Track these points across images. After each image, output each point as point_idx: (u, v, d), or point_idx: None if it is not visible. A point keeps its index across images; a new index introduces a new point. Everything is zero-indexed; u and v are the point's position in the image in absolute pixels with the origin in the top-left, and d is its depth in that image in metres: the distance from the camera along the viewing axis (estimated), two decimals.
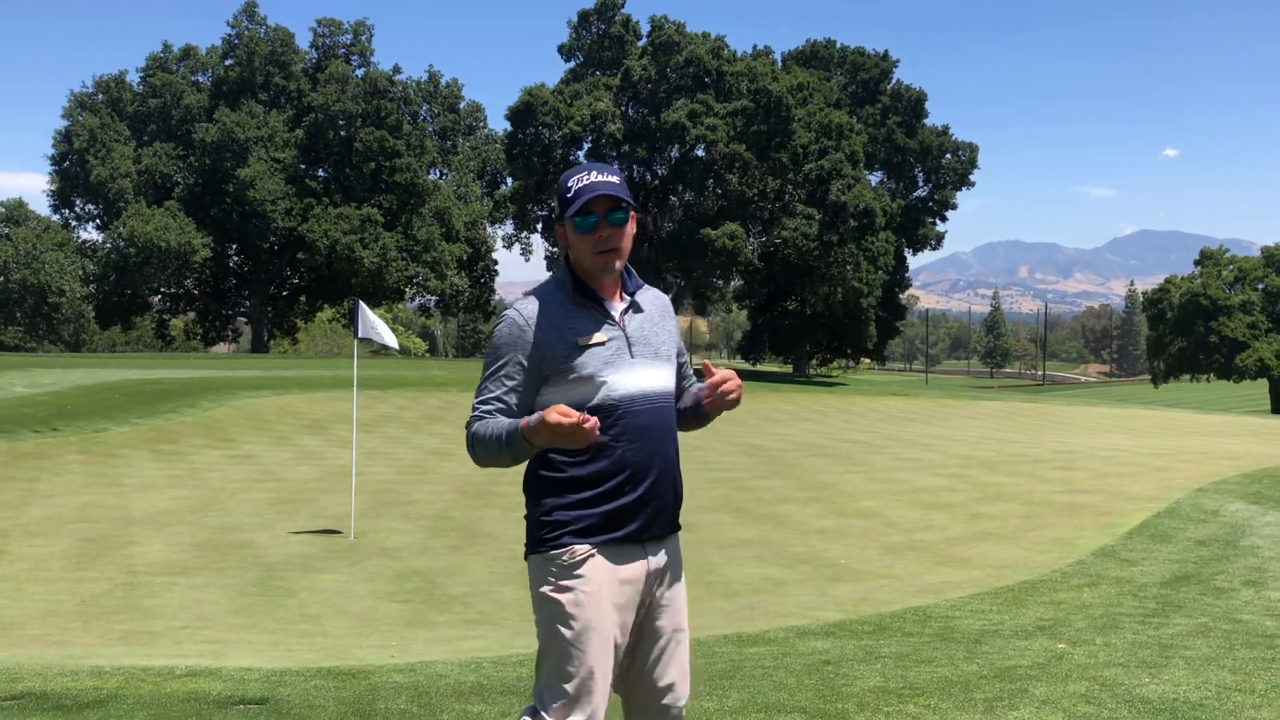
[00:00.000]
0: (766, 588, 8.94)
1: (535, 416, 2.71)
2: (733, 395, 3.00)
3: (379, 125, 57.08)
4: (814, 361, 70.86)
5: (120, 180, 53.63)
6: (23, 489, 14.21)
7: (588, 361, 2.86)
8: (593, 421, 2.67)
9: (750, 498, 14.10)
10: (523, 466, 2.98)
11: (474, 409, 2.87)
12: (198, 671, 5.86)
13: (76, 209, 58.58)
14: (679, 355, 3.14)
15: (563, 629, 2.83)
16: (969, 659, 5.93)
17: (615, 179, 2.91)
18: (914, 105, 69.55)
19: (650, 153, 54.77)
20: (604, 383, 2.86)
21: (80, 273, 54.39)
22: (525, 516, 2.97)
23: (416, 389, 35.03)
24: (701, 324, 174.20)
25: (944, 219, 71.66)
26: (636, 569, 2.90)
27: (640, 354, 2.95)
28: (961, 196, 72.16)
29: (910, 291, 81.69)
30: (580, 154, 57.07)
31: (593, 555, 2.84)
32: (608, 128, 54.01)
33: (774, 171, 53.92)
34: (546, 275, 50.21)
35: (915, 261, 76.13)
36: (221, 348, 73.63)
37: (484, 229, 67.05)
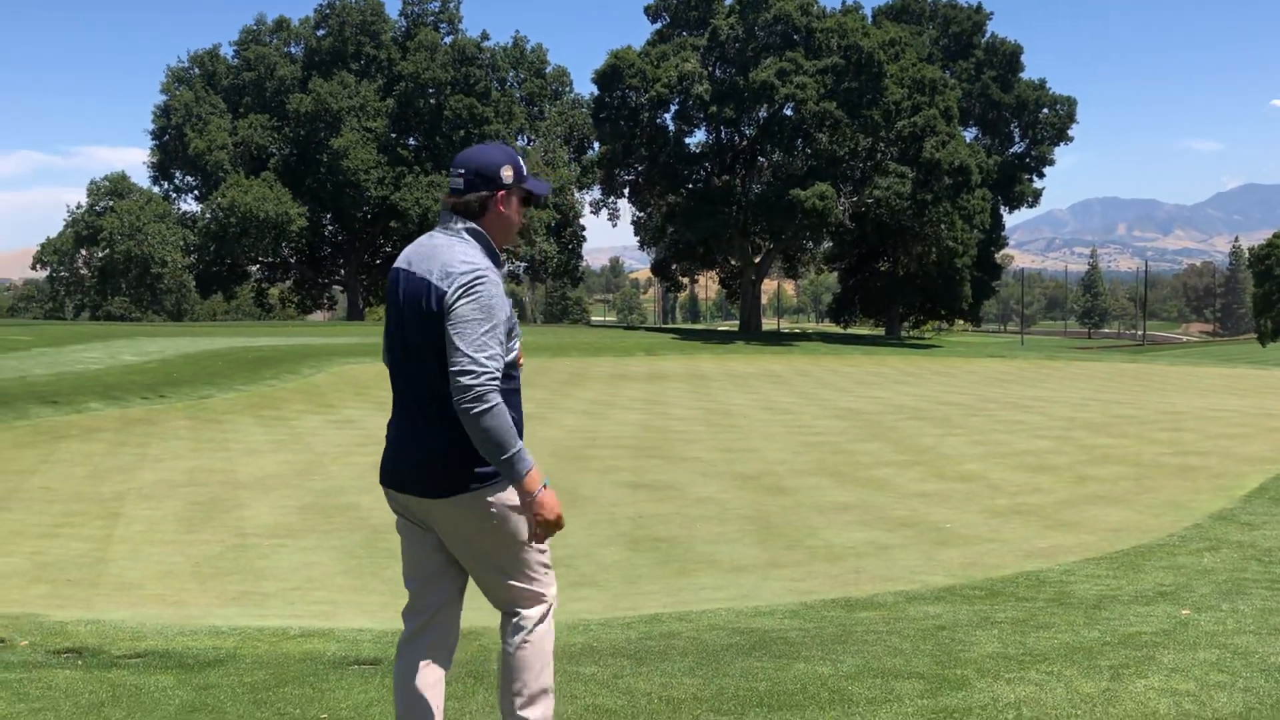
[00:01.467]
0: (870, 552, 8.80)
1: (548, 498, 3.16)
2: None
3: (468, 92, 57.40)
4: (906, 324, 69.78)
5: (217, 152, 54.82)
6: (134, 454, 14.63)
7: (515, 322, 3.30)
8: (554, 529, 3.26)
9: (848, 461, 13.92)
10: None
11: (487, 368, 3.07)
12: (311, 632, 5.95)
13: (176, 181, 60.08)
14: None
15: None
16: (1089, 625, 5.75)
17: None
18: (1009, 59, 67.73)
19: (738, 113, 54.18)
20: (519, 339, 3.34)
21: (181, 243, 55.79)
22: (478, 457, 3.19)
23: None
24: (789, 287, 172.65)
25: (1041, 175, 69.89)
26: None
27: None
28: (1059, 152, 70.30)
29: (1005, 251, 79.79)
30: (668, 116, 56.71)
31: None
32: (695, 89, 53.55)
33: (865, 129, 52.99)
34: (634, 241, 49.75)
35: (1009, 220, 74.45)
36: (318, 315, 75.12)
37: (571, 194, 67.15)
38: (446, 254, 3.23)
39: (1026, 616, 6.10)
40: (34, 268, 69.13)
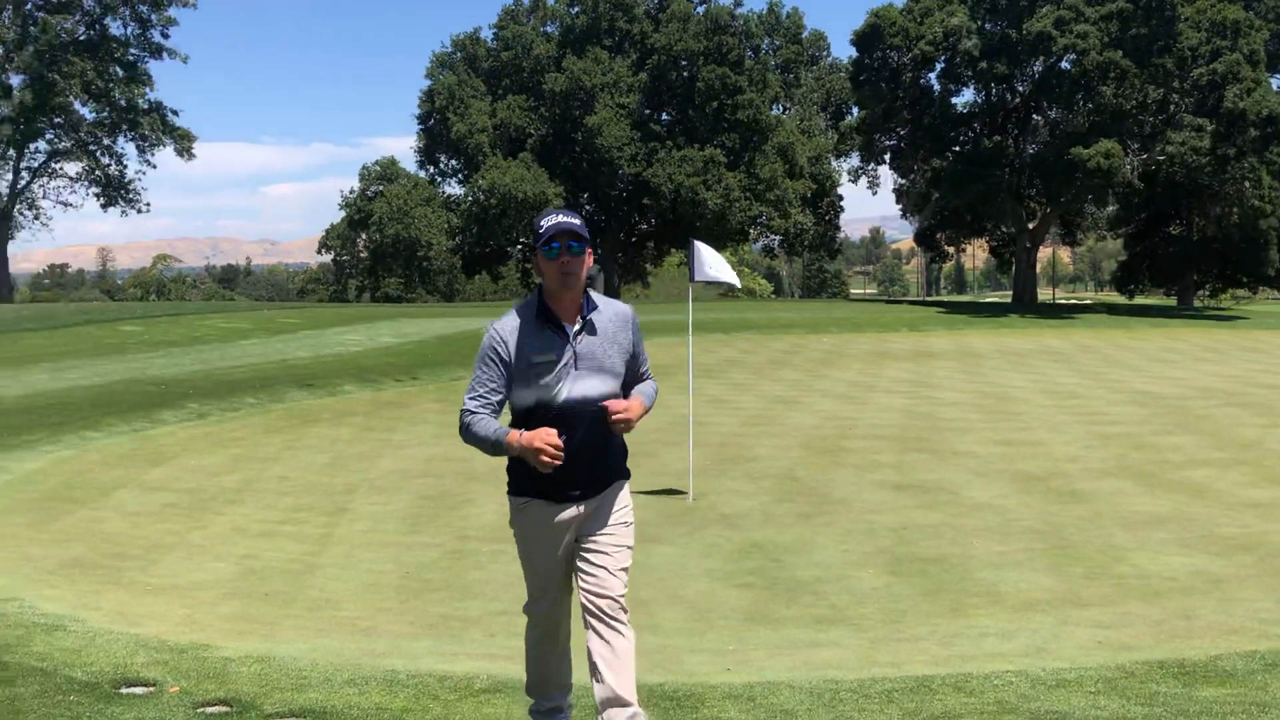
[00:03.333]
0: (1199, 586, 7.02)
1: (525, 437, 3.73)
2: (617, 421, 3.87)
3: (720, 62, 56.20)
4: (1201, 293, 63.64)
5: (478, 135, 56.05)
6: (379, 440, 14.37)
7: (541, 373, 3.84)
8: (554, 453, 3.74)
9: (1153, 459, 11.87)
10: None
11: (467, 403, 3.89)
12: (500, 684, 4.95)
13: (440, 165, 62.02)
14: (635, 358, 4.09)
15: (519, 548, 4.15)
16: None
17: (576, 220, 3.85)
18: None
19: (1010, 68, 50.57)
20: (553, 390, 3.85)
21: (445, 226, 57.52)
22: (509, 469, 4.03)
23: (761, 331, 34.08)
24: (1064, 254, 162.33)
25: None
26: (568, 514, 3.97)
27: (585, 368, 3.89)
28: None
29: None
30: (932, 76, 53.69)
31: (530, 503, 4.00)
32: (962, 44, 50.35)
33: (1156, 79, 48.24)
34: (896, 210, 47.61)
35: None
36: None
37: (828, 163, 64.95)
38: None
39: None
40: (319, 252, 73.59)
